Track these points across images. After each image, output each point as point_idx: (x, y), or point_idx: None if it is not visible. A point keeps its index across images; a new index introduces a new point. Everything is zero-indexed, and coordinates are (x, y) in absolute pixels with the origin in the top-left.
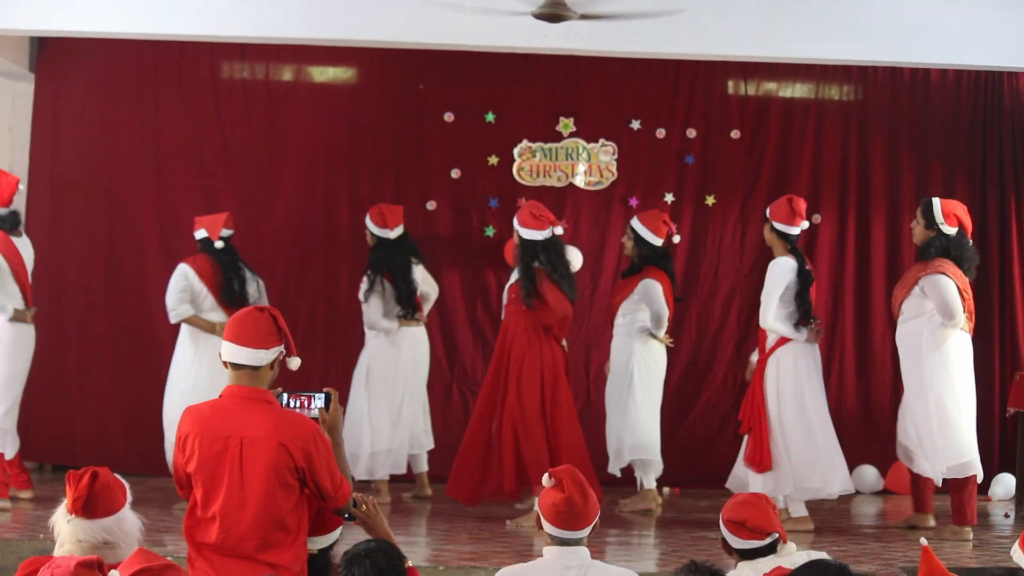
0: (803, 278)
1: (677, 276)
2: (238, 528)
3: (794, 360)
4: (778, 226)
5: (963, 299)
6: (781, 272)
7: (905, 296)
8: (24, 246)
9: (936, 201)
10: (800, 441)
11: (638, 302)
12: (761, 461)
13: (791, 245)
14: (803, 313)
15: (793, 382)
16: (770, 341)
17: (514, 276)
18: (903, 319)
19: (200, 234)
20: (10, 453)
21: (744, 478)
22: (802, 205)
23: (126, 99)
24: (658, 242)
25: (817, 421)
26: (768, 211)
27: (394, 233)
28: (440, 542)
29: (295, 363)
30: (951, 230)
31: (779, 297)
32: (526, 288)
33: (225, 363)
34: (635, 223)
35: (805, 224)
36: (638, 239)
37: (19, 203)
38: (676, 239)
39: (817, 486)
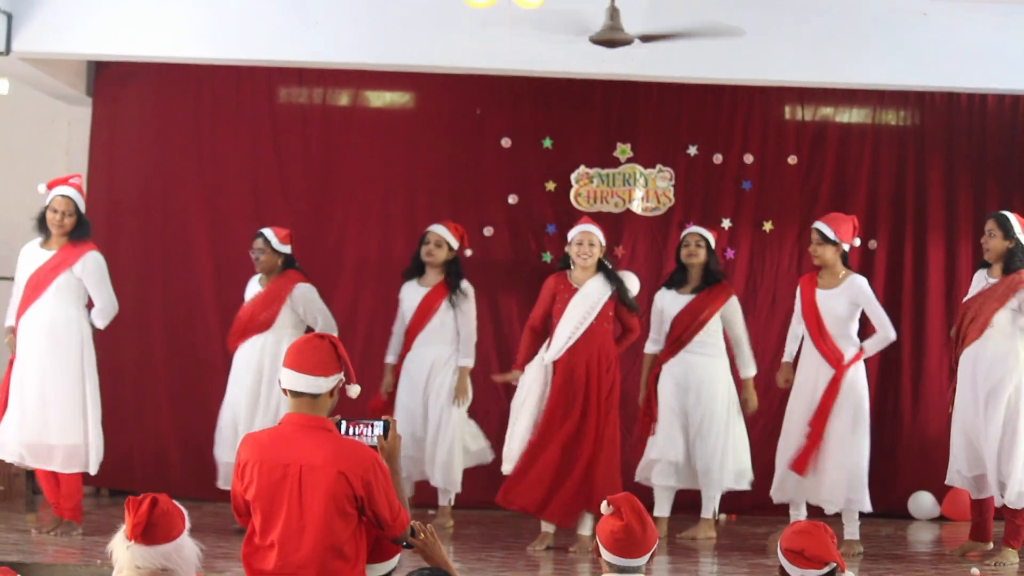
0: None
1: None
2: (297, 556)
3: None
4: (845, 245)
5: None
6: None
7: (998, 309)
8: None
9: (1010, 214)
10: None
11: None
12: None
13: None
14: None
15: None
16: (849, 354)
17: (601, 291)
18: (990, 334)
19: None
20: None
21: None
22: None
23: (182, 123)
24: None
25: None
26: (833, 232)
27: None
28: (497, 569)
29: (355, 391)
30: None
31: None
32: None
33: (284, 391)
34: (705, 232)
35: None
36: (710, 245)
37: None
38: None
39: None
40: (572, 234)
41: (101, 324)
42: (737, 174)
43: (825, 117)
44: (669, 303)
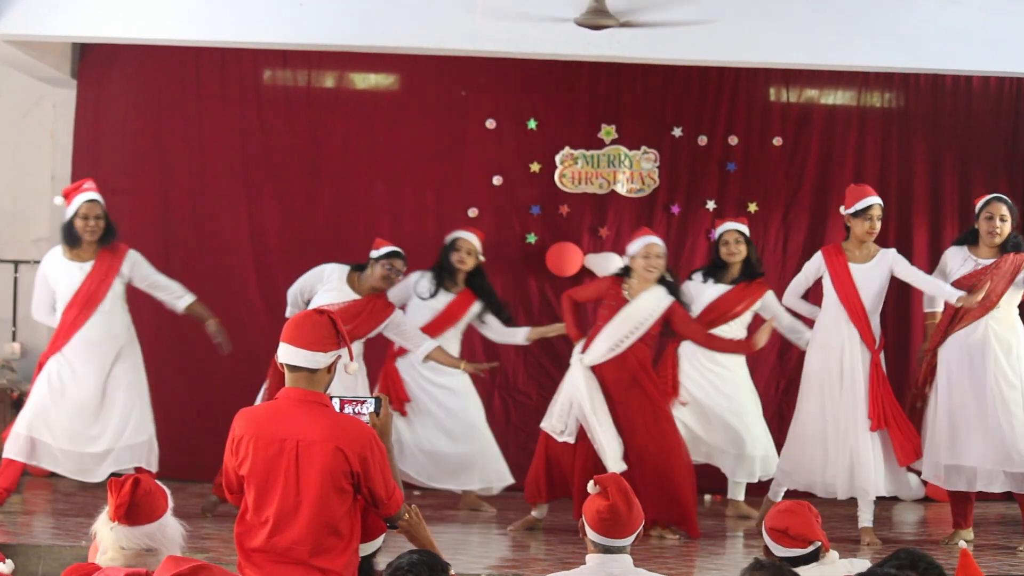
0: None
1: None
2: (292, 532)
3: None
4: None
5: None
6: None
7: (1006, 287)
8: None
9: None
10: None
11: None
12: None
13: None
14: None
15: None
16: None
17: (654, 306)
18: (998, 311)
19: None
20: None
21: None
22: None
23: (168, 106)
24: None
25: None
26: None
27: None
28: (481, 549)
29: (353, 367)
30: None
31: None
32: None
33: (281, 365)
34: (743, 227)
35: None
36: (748, 240)
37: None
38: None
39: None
40: (637, 246)
41: (183, 305)
42: (722, 156)
43: (810, 99)
44: (704, 291)
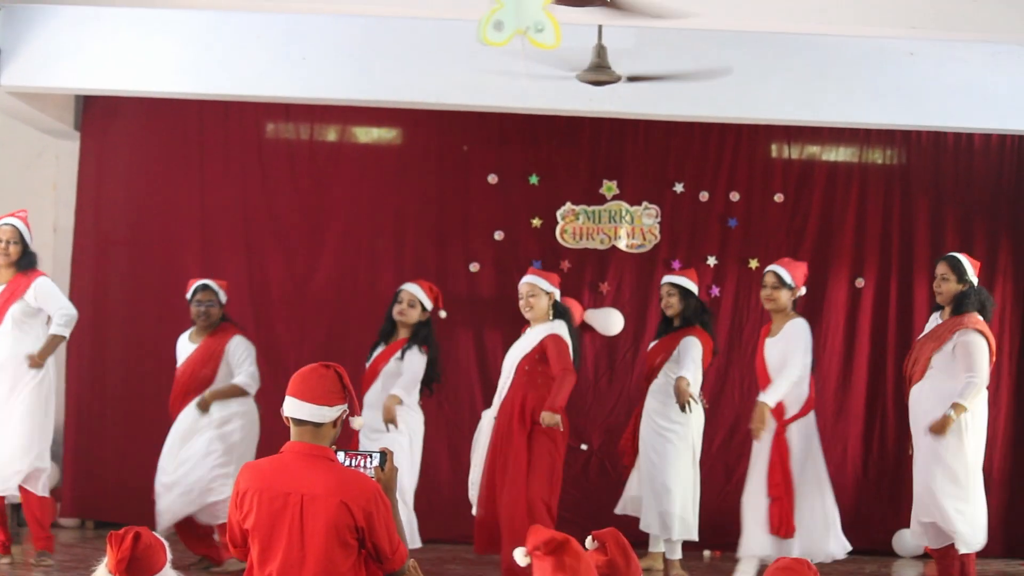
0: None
1: (722, 336)
2: None
3: (811, 426)
4: (800, 291)
5: (991, 356)
6: (808, 332)
7: (936, 350)
8: None
9: (961, 256)
10: (816, 507)
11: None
12: (788, 527)
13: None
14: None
15: (813, 447)
16: (793, 408)
17: (539, 334)
18: (929, 375)
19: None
20: None
21: (759, 546)
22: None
23: (171, 158)
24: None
25: (827, 486)
26: (790, 276)
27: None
28: None
29: (358, 423)
30: (975, 280)
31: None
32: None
33: (287, 419)
34: (679, 279)
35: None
36: (684, 292)
37: (61, 259)
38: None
39: (831, 550)
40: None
41: (65, 332)
42: (723, 212)
43: (812, 155)
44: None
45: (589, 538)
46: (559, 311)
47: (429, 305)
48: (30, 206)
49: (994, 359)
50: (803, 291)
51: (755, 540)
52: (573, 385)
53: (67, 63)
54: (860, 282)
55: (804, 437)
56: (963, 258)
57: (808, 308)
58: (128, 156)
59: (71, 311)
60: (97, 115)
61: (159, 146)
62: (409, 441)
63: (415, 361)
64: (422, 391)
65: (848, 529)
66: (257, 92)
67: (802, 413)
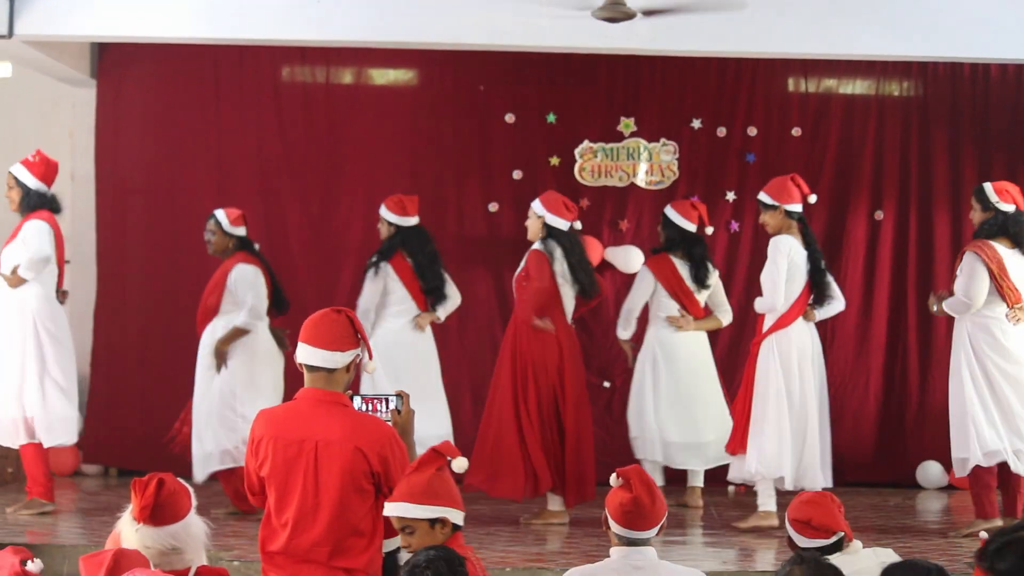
0: (815, 257)
1: (741, 271)
2: (312, 534)
3: (793, 344)
4: (789, 206)
5: (1005, 278)
6: (787, 248)
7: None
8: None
9: (987, 184)
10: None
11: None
12: (735, 444)
13: (802, 224)
14: (819, 295)
15: (785, 368)
16: (768, 322)
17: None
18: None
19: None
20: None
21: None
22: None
23: (187, 103)
24: (690, 227)
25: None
26: (770, 196)
27: (413, 221)
28: (506, 544)
29: (372, 366)
30: (1008, 207)
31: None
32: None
33: (300, 365)
34: (667, 209)
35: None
36: (667, 223)
37: (79, 208)
38: (709, 230)
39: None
40: None
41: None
42: (741, 147)
43: (828, 89)
44: None
45: (614, 475)
46: (553, 233)
47: (394, 218)
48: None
49: (1000, 281)
50: (798, 206)
51: (734, 465)
52: (537, 294)
53: (82, 11)
54: (879, 215)
55: (775, 354)
56: (988, 186)
57: (828, 241)
58: (144, 103)
59: (38, 253)
60: (113, 63)
61: (175, 93)
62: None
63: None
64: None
65: (872, 462)
66: (272, 36)
67: (772, 330)
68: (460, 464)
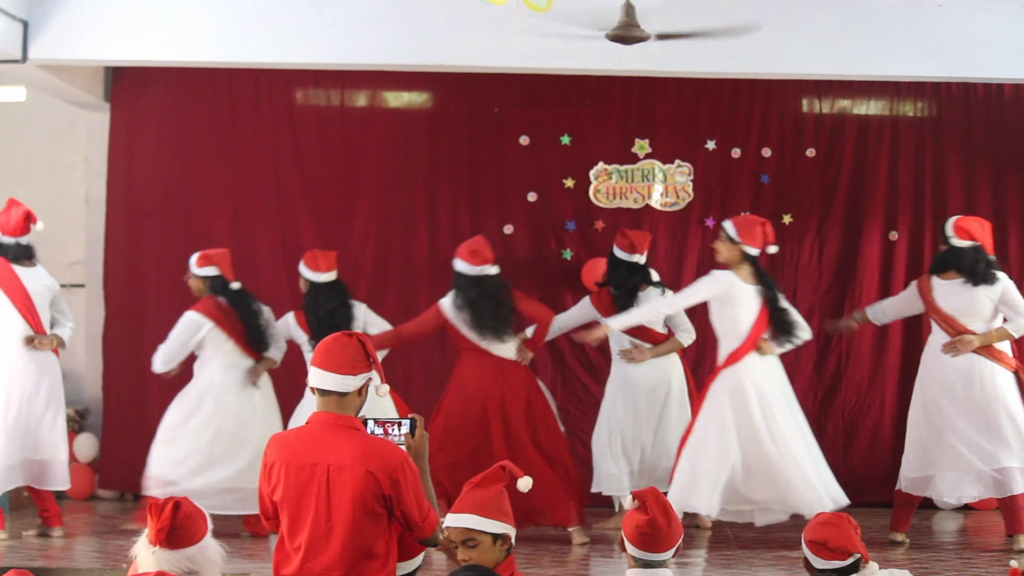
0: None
1: None
2: (324, 557)
3: (745, 378)
4: (750, 249)
5: (935, 312)
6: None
7: None
8: (35, 277)
9: (950, 220)
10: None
11: None
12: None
13: (754, 267)
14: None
15: (735, 403)
16: (721, 357)
17: None
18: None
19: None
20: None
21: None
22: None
23: (201, 127)
24: (752, 251)
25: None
26: (735, 230)
27: (326, 277)
28: (523, 566)
29: (384, 390)
30: (962, 243)
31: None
32: None
33: (312, 389)
34: (613, 247)
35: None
36: (611, 258)
37: (93, 231)
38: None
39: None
40: None
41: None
42: (755, 168)
43: (843, 110)
44: None
45: (629, 498)
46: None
47: (309, 275)
48: (61, 179)
49: (933, 314)
50: (756, 251)
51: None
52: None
53: (95, 35)
54: (894, 235)
55: (725, 389)
56: (949, 222)
57: (842, 262)
58: (158, 127)
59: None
60: (127, 86)
61: (189, 116)
62: None
63: None
64: None
65: (888, 482)
66: (286, 59)
67: (724, 365)
68: (525, 483)
